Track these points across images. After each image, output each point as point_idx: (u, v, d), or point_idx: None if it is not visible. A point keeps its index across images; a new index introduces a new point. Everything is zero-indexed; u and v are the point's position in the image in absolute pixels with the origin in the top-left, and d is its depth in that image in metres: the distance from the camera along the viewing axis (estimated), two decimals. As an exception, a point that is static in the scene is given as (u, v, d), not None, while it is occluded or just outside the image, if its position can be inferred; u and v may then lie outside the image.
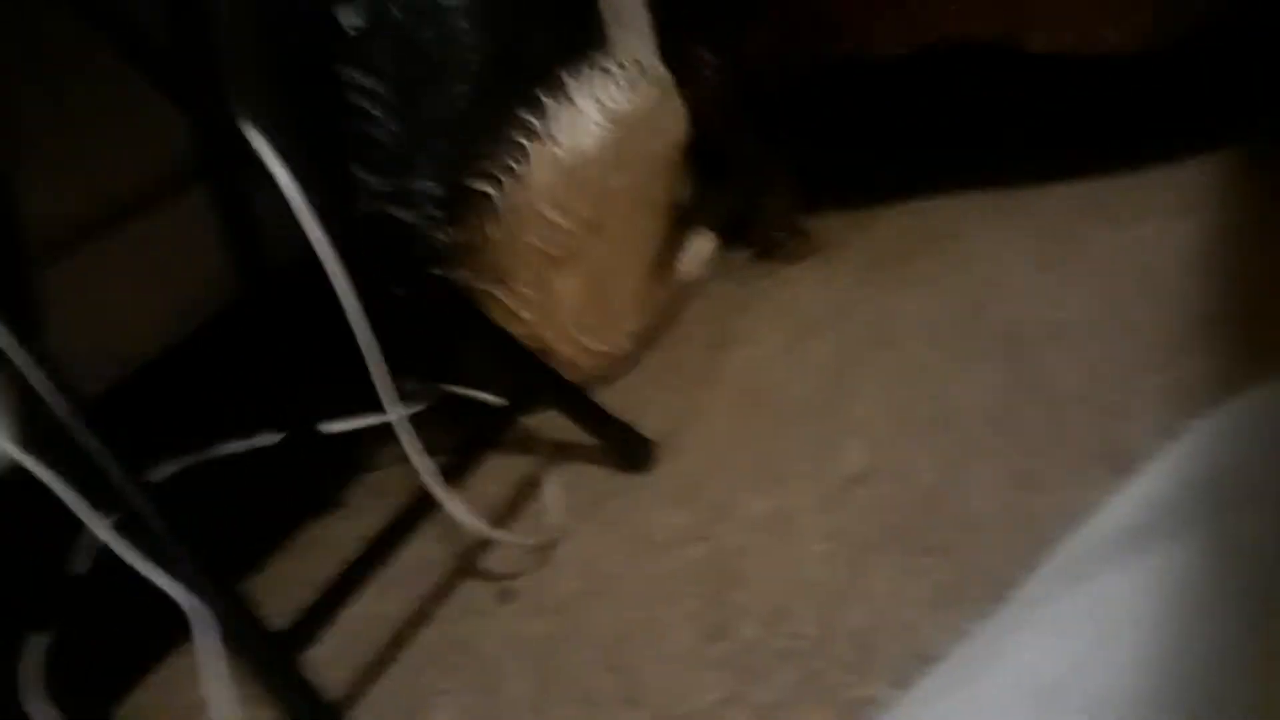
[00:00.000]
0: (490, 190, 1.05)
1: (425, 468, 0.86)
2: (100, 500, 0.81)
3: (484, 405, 1.04)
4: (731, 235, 1.27)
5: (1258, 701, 0.51)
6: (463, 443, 0.95)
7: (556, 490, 0.97)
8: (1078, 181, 1.17)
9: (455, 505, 0.86)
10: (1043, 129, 1.23)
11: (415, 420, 0.89)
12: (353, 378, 0.90)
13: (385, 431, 0.93)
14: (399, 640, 0.86)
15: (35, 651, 0.85)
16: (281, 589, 0.86)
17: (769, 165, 1.27)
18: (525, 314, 1.09)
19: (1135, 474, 0.75)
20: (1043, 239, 1.10)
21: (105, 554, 0.80)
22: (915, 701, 0.68)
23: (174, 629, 0.79)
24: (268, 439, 1.02)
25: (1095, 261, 1.04)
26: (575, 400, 1.00)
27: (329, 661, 0.79)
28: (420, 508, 0.88)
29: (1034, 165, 1.19)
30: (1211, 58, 1.13)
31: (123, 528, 0.81)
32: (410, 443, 0.87)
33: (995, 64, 1.15)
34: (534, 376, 1.02)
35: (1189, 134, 1.14)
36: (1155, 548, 0.71)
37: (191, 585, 0.77)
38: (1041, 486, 0.80)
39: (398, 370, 0.91)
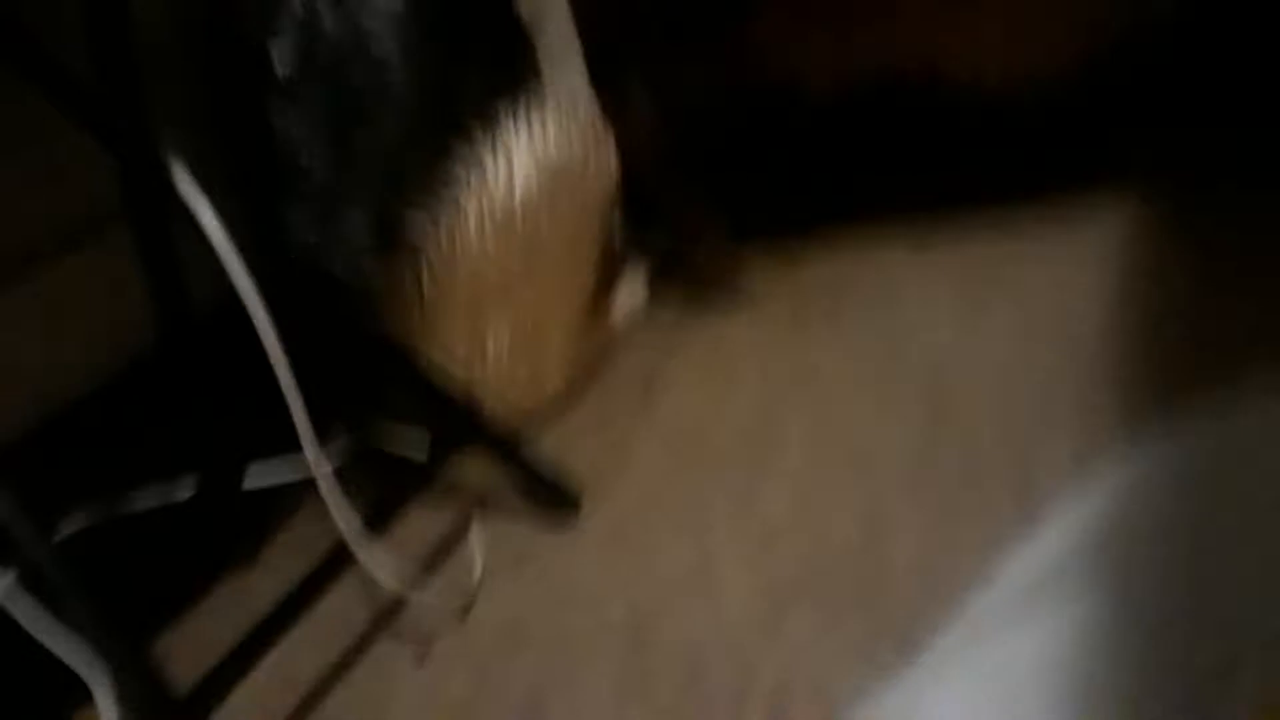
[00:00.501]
0: (421, 238, 1.05)
1: (346, 523, 0.84)
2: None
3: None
4: (661, 276, 1.27)
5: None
6: (385, 494, 0.93)
7: (478, 545, 0.95)
8: (1000, 221, 1.19)
9: (374, 563, 0.84)
10: (968, 170, 1.26)
11: (337, 470, 0.87)
12: (274, 423, 0.88)
13: (306, 481, 0.91)
14: (310, 701, 0.84)
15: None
16: (192, 648, 0.84)
17: (699, 206, 1.27)
18: (455, 363, 1.08)
19: (1043, 520, 0.77)
20: (965, 279, 1.12)
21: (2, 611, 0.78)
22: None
23: (75, 690, 0.77)
24: (183, 492, 1.00)
25: (1014, 302, 1.06)
26: (502, 451, 0.99)
27: (237, 725, 0.77)
28: (337, 562, 0.86)
29: (959, 206, 1.21)
30: (1126, 104, 1.17)
31: (23, 585, 0.79)
32: (332, 497, 0.85)
33: (921, 106, 1.17)
34: (461, 424, 1.01)
35: (1107, 174, 1.18)
36: (1058, 605, 0.72)
37: (92, 647, 0.75)
38: (956, 529, 0.81)
39: (321, 414, 0.89)
